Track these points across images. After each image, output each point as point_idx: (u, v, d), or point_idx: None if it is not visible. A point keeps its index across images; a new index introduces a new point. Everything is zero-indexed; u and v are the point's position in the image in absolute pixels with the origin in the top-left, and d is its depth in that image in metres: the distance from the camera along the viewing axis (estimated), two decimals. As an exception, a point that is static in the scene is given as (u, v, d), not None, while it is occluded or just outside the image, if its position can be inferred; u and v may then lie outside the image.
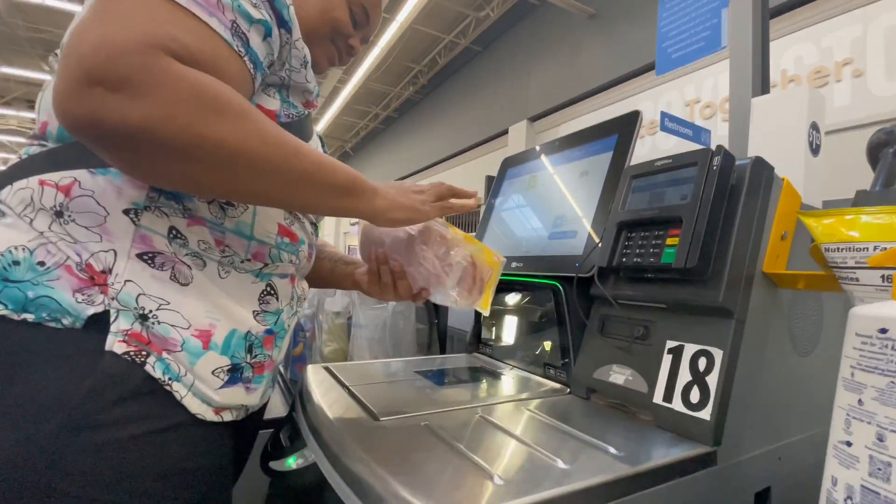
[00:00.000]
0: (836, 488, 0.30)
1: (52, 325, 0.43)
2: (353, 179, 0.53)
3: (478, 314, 1.05)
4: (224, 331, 0.51)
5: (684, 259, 0.57)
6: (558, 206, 0.88)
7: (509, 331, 0.96)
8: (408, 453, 0.49)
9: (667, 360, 0.62)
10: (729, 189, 0.60)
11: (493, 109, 7.14)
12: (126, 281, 0.46)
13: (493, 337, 1.00)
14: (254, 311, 0.55)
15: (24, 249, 0.43)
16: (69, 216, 0.45)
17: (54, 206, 0.45)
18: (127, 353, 0.45)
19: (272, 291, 0.57)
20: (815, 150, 0.78)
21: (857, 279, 0.39)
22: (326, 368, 0.85)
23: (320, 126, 10.51)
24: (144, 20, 0.38)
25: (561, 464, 0.47)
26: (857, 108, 3.39)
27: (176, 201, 0.49)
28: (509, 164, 1.11)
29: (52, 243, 0.44)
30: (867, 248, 0.38)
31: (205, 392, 0.49)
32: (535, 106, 6.28)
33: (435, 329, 1.75)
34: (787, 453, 0.64)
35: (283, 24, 0.51)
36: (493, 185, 1.13)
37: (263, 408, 0.65)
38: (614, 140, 0.81)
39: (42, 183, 0.45)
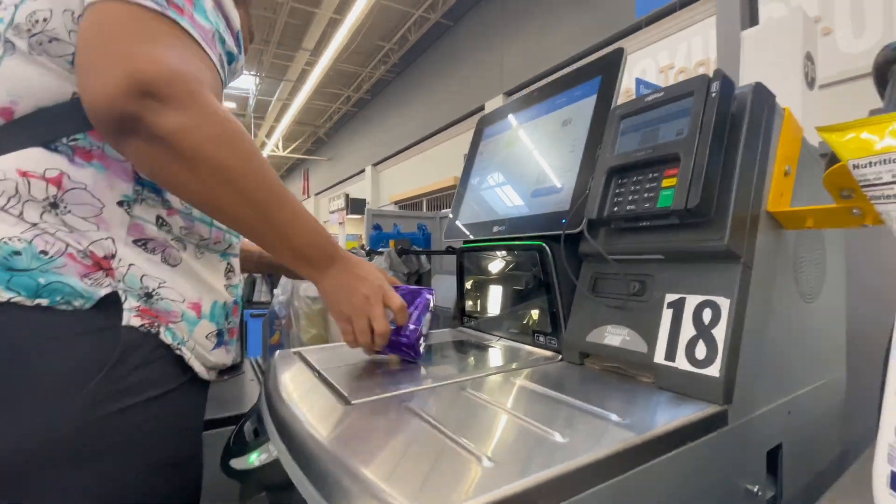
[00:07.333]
0: (904, 442, 0.24)
1: (64, 307, 0.47)
2: (314, 250, 0.58)
3: (461, 287, 0.98)
4: (209, 302, 0.59)
5: (684, 199, 0.51)
6: (541, 160, 0.81)
7: (494, 300, 0.90)
8: (382, 439, 0.42)
9: (667, 315, 0.56)
10: (729, 119, 0.54)
11: (468, 85, 6.98)
12: (130, 265, 0.51)
13: (479, 308, 0.94)
14: (224, 285, 0.63)
15: (20, 240, 0.46)
16: (65, 207, 0.48)
17: (47, 197, 0.48)
18: (142, 325, 0.51)
19: (232, 269, 0.66)
20: (810, 82, 0.72)
21: (898, 195, 0.32)
22: (297, 353, 0.77)
23: (291, 111, 10.16)
24: (190, 57, 0.48)
25: (558, 437, 0.41)
26: (827, 66, 3.39)
27: (157, 194, 0.55)
28: (485, 123, 1.03)
29: (48, 233, 0.47)
30: (909, 157, 0.31)
31: (202, 353, 0.58)
32: (510, 80, 6.15)
33: (418, 308, 1.67)
34: (797, 407, 0.60)
35: (239, 52, 0.62)
36: (469, 150, 1.05)
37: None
38: (597, 82, 0.73)
39: (25, 175, 0.47)
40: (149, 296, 0.52)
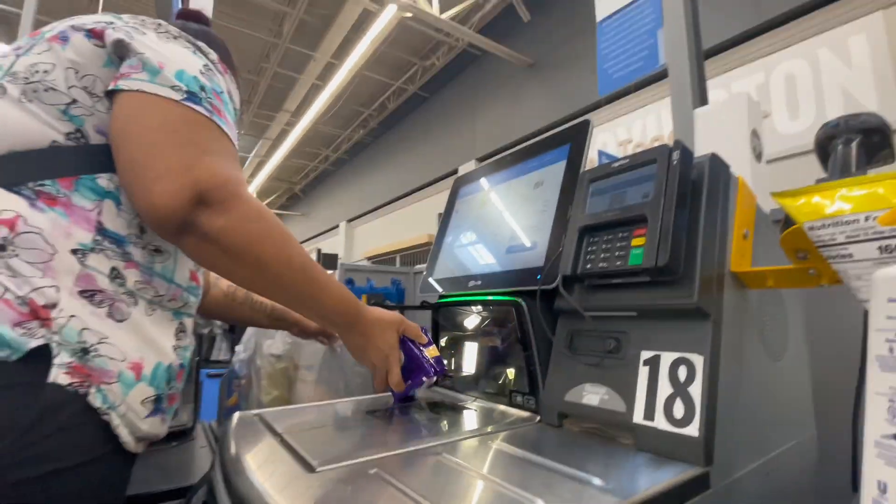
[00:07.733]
0: (887, 495, 0.24)
1: None
2: (337, 316, 0.66)
3: (436, 344, 0.96)
4: (152, 364, 0.55)
5: (654, 257, 0.53)
6: (515, 218, 0.83)
7: (470, 358, 0.87)
8: (349, 510, 0.38)
9: (643, 372, 0.56)
10: (690, 185, 0.58)
11: (443, 151, 7.32)
12: (71, 316, 0.48)
13: (454, 367, 0.91)
14: (173, 346, 0.59)
15: None
16: (13, 251, 0.47)
17: None
18: (71, 384, 0.47)
19: (184, 329, 0.63)
20: (758, 156, 0.79)
21: (851, 255, 0.35)
22: (258, 415, 0.71)
23: (268, 168, 10.27)
24: (229, 157, 0.54)
25: (541, 504, 0.38)
26: (767, 146, 3.77)
27: (117, 246, 0.53)
28: (461, 183, 1.07)
29: None
30: (858, 220, 0.34)
31: (133, 421, 0.53)
32: (482, 147, 6.50)
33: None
34: (775, 468, 0.59)
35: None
36: (446, 206, 1.07)
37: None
38: (567, 149, 0.78)
39: None
40: (85, 352, 0.48)
